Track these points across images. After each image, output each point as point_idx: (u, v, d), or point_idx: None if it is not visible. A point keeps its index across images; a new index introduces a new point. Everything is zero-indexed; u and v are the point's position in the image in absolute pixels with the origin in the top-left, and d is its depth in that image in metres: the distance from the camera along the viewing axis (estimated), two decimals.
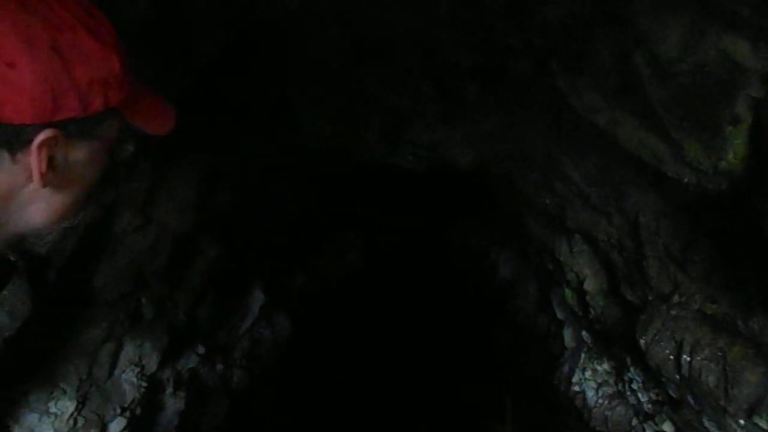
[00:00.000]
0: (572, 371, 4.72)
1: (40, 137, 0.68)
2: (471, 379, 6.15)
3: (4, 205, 0.72)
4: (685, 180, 2.23)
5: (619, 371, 3.97)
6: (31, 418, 3.21)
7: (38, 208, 0.74)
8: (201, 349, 4.31)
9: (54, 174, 0.72)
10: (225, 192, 3.75)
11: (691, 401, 2.93)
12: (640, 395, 3.68)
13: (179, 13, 2.35)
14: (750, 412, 2.59)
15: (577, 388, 4.59)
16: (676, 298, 2.89)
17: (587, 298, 3.88)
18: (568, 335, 4.93)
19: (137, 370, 3.68)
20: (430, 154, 3.55)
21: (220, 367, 4.72)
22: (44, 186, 0.71)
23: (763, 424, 2.51)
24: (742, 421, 2.66)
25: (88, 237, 3.09)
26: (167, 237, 3.67)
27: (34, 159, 0.69)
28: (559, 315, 5.12)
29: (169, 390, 4.07)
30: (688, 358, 2.80)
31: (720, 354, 2.67)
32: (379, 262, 6.45)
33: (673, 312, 2.90)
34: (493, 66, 2.72)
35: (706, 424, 2.98)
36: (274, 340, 5.54)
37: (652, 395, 3.44)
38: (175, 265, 3.82)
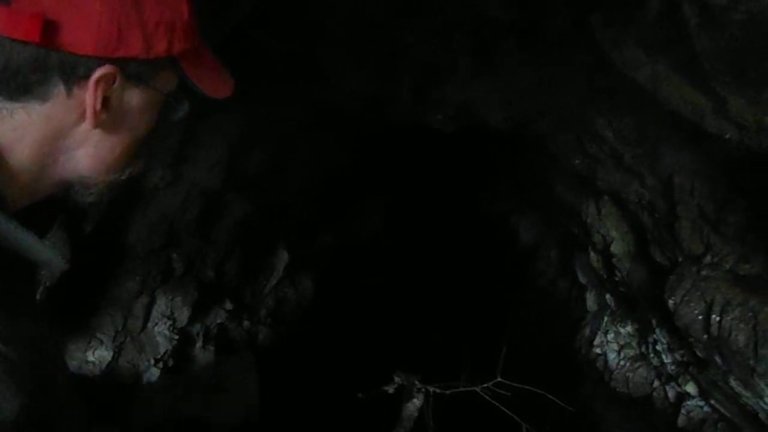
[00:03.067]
0: (594, 334, 4.76)
1: (99, 72, 0.66)
2: (490, 343, 6.21)
3: (54, 143, 0.69)
4: (727, 136, 2.20)
5: (642, 333, 3.99)
6: (71, 367, 3.33)
7: (86, 153, 0.71)
8: (229, 305, 4.40)
9: (107, 116, 0.70)
10: (255, 151, 3.77)
11: (719, 361, 2.95)
12: (663, 357, 3.71)
13: None
14: None
15: (598, 351, 4.63)
16: (707, 259, 2.89)
17: (613, 260, 3.89)
18: (590, 299, 4.95)
19: (169, 323, 3.78)
20: (460, 113, 3.52)
21: (246, 323, 4.83)
22: (95, 126, 0.69)
23: None
24: None
25: (122, 191, 3.15)
26: (197, 194, 3.72)
27: (89, 95, 0.67)
28: (581, 279, 5.13)
29: (199, 344, 4.18)
30: (718, 318, 2.81)
31: (751, 314, 2.68)
32: (402, 224, 6.47)
33: (704, 273, 2.90)
34: (530, 20, 2.67)
35: (733, 383, 3.01)
36: (298, 300, 5.63)
37: (677, 356, 3.47)
38: (204, 222, 3.88)
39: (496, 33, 2.89)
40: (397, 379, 2.52)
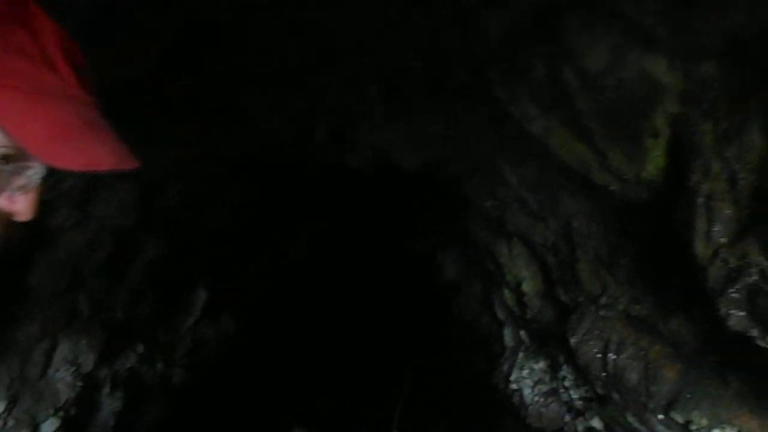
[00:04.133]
0: (511, 370, 4.88)
1: None
2: (415, 379, 6.24)
3: None
4: (611, 188, 2.36)
5: (553, 369, 4.13)
6: None
7: None
8: (140, 348, 4.23)
9: None
10: (172, 189, 3.70)
11: (616, 398, 3.10)
12: (572, 392, 3.85)
13: None
14: (668, 408, 2.76)
15: (515, 386, 4.74)
16: (604, 300, 3.05)
17: (525, 299, 4.03)
18: (507, 335, 5.08)
19: (72, 369, 3.59)
20: (376, 155, 3.61)
21: (160, 366, 4.65)
22: None
23: (678, 418, 2.68)
24: (660, 416, 2.83)
25: (23, 231, 3.00)
26: (107, 234, 3.60)
27: None
28: (500, 315, 5.27)
29: (106, 390, 3.98)
30: (614, 357, 2.96)
31: (642, 353, 2.84)
32: (326, 262, 6.47)
33: (601, 313, 3.06)
34: (438, 71, 2.80)
35: (630, 419, 3.16)
36: (218, 339, 5.49)
37: (583, 392, 3.61)
38: (114, 263, 3.74)
39: (408, 82, 3.01)
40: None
